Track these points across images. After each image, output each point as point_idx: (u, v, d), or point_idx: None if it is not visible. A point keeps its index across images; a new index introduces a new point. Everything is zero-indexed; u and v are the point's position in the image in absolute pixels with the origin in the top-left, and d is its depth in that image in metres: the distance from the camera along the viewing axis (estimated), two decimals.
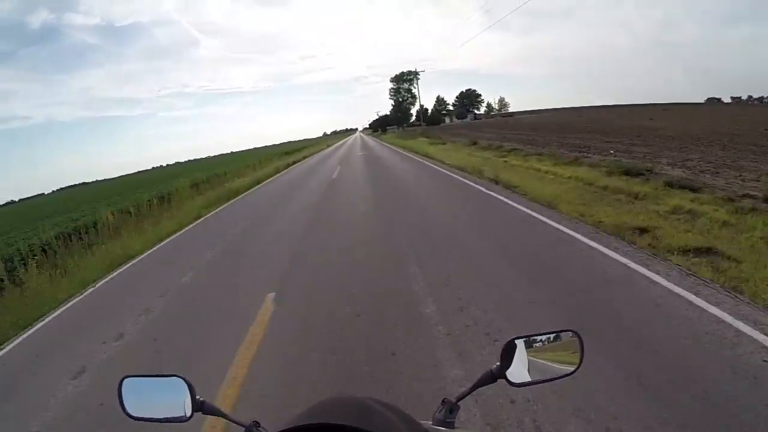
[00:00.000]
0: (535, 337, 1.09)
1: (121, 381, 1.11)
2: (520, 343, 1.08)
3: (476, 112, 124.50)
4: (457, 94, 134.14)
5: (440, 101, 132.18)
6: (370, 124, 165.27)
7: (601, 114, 57.25)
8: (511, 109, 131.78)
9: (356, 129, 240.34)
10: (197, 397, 1.07)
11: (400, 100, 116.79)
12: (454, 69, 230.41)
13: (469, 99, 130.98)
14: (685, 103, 76.77)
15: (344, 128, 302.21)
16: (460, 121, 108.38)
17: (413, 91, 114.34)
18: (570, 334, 1.11)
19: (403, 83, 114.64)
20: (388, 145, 41.17)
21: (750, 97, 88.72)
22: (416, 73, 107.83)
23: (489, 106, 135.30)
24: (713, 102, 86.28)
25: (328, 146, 67.72)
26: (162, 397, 1.09)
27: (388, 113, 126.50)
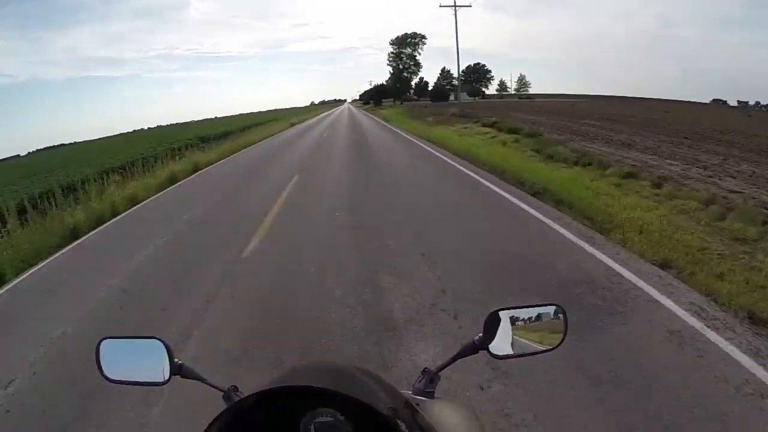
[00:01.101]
0: (519, 310, 1.10)
1: (99, 343, 1.11)
2: (503, 315, 1.09)
3: (485, 90, 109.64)
4: (464, 69, 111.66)
5: (445, 74, 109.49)
6: (360, 96, 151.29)
7: (659, 106, 44.67)
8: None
9: (344, 100, 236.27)
10: (175, 360, 1.08)
11: (401, 67, 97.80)
12: (449, 47, 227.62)
13: (476, 75, 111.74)
14: (691, 101, 75.18)
15: (333, 99, 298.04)
16: (471, 99, 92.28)
17: (417, 59, 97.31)
18: (555, 308, 1.13)
19: (406, 47, 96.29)
20: (418, 141, 17.96)
21: (758, 102, 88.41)
22: (422, 36, 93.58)
23: (502, 84, 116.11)
24: (718, 104, 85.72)
25: (292, 125, 42.80)
26: (140, 359, 1.09)
27: (385, 83, 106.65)
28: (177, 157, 17.95)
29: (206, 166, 16.49)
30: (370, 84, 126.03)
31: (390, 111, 53.72)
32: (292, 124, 43.80)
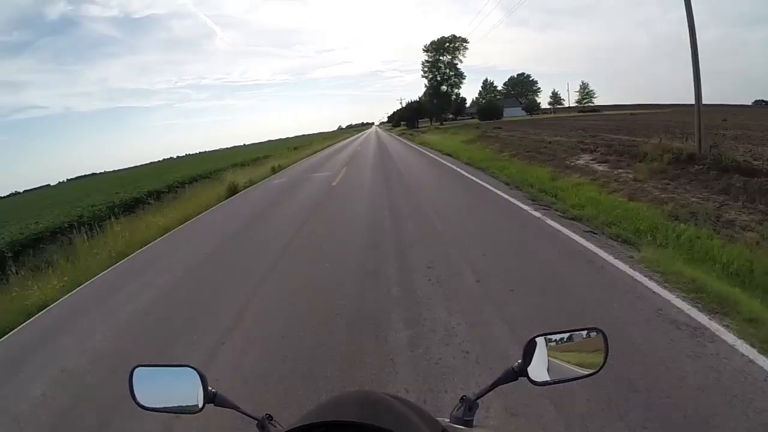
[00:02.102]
0: (559, 335, 1.09)
1: (132, 370, 1.14)
2: (541, 341, 1.08)
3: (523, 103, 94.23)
4: (506, 80, 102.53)
5: (488, 87, 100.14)
6: (389, 117, 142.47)
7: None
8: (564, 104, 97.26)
9: (372, 123, 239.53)
10: (209, 388, 1.09)
11: (439, 79, 78.60)
12: (472, 65, 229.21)
13: (521, 87, 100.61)
14: (733, 104, 71.45)
15: (360, 122, 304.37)
16: (528, 114, 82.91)
17: (459, 67, 78.23)
18: (594, 332, 1.11)
19: (444, 54, 77.65)
20: None
21: None
22: (463, 40, 76.11)
23: (555, 96, 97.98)
24: (761, 105, 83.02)
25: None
26: (174, 387, 1.11)
27: (420, 99, 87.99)
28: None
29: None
30: (401, 102, 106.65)
31: (444, 138, 31.41)
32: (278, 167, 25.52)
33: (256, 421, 1.05)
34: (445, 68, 77.85)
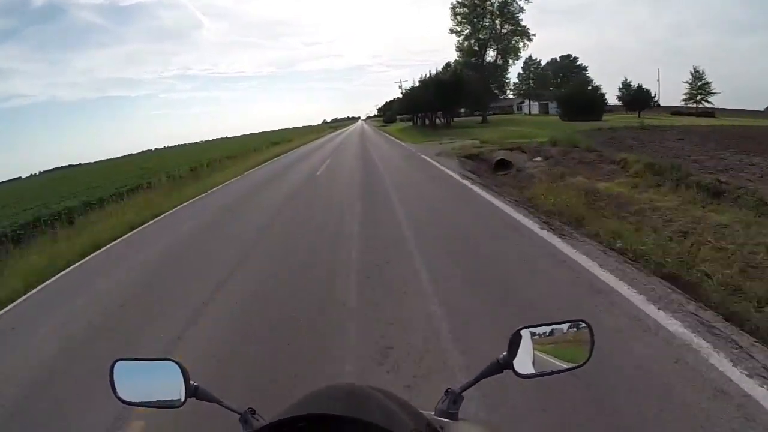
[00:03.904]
0: (545, 327, 1.11)
1: (113, 364, 1.13)
2: (526, 334, 1.09)
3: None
4: (546, 63, 74.10)
5: (532, 69, 72.09)
6: (379, 110, 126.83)
7: None
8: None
9: (358, 118, 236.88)
10: (191, 382, 1.09)
11: (482, 37, 45.04)
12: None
13: (566, 74, 70.05)
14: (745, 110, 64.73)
15: (345, 116, 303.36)
16: (637, 116, 43.64)
17: (520, 20, 43.87)
18: (578, 326, 1.14)
19: None
20: None
21: None
22: None
23: (627, 86, 54.93)
24: None
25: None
26: (155, 381, 1.11)
27: (443, 75, 39.88)
28: None
29: None
30: (401, 88, 63.10)
31: None
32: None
33: (239, 415, 1.05)
34: (494, 19, 43.62)
